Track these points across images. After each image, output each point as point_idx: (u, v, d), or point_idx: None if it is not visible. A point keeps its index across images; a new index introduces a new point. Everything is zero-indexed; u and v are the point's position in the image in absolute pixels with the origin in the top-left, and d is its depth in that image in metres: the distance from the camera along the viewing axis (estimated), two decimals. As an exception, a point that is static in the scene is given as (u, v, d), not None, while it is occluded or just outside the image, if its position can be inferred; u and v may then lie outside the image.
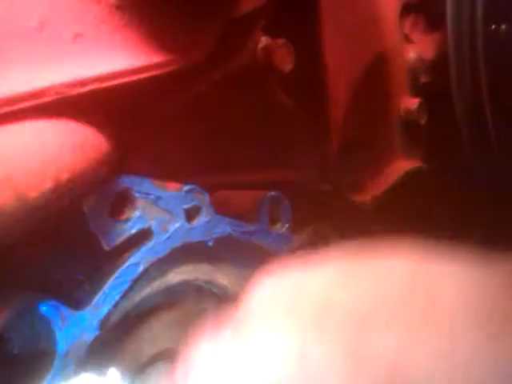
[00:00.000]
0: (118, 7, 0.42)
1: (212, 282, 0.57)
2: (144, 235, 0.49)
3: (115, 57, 0.42)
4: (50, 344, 0.42)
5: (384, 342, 0.34)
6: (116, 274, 0.46)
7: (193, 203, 0.52)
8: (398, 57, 0.78)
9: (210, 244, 0.54)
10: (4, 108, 0.35)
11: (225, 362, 0.39)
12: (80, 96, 0.40)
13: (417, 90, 0.81)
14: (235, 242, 0.57)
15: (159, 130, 0.53)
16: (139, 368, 0.53)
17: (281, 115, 0.63)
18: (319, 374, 0.35)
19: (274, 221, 0.62)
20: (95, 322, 0.44)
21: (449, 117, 0.77)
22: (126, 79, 0.41)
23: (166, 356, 0.56)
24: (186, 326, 0.58)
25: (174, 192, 0.50)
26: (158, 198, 0.49)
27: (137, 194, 0.48)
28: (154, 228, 0.49)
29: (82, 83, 0.39)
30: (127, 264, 0.47)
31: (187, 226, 0.52)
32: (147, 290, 0.51)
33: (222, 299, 0.61)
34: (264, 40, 0.59)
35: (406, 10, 0.79)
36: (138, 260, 0.48)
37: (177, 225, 0.51)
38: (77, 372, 0.43)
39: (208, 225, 0.54)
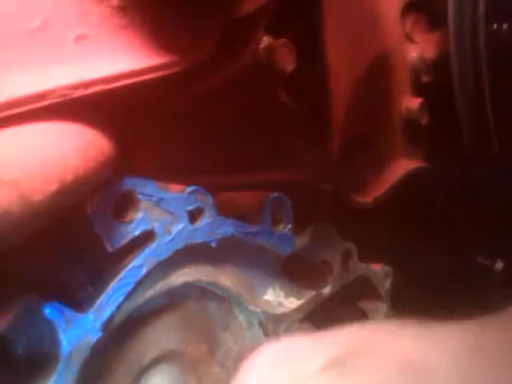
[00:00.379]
0: (120, 8, 0.42)
1: (215, 283, 0.57)
2: (147, 237, 0.49)
3: (118, 58, 0.42)
4: (53, 346, 0.42)
5: None
6: (119, 276, 0.46)
7: (196, 205, 0.52)
8: (399, 56, 0.78)
9: (213, 245, 0.54)
10: (8, 111, 0.35)
11: None
12: (83, 98, 0.39)
13: (418, 89, 0.81)
14: (238, 243, 0.57)
15: (162, 131, 0.53)
16: (142, 370, 0.53)
17: (282, 115, 0.63)
18: None
19: (276, 222, 0.62)
20: (98, 324, 0.44)
21: (450, 116, 0.77)
22: (128, 81, 0.41)
23: (170, 358, 0.56)
24: (189, 327, 0.58)
25: (176, 193, 0.50)
26: (161, 199, 0.49)
27: (140, 196, 0.48)
28: (156, 230, 0.49)
29: (85, 85, 0.39)
30: (130, 266, 0.47)
31: (190, 227, 0.52)
32: (150, 292, 0.51)
33: (224, 301, 0.61)
34: (266, 40, 0.59)
35: (407, 9, 0.79)
36: (141, 262, 0.48)
37: (180, 226, 0.51)
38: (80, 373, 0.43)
39: (211, 226, 0.53)
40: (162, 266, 0.50)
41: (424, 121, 0.80)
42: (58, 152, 0.38)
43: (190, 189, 0.51)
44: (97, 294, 0.45)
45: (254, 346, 0.64)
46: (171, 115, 0.52)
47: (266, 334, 0.64)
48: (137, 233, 0.47)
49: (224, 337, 0.62)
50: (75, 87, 0.38)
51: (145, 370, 0.53)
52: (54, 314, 0.41)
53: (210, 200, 0.53)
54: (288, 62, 0.59)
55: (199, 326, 0.59)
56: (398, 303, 0.91)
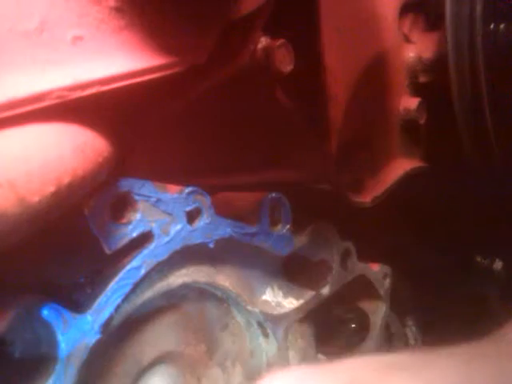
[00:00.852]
0: (118, 9, 0.42)
1: (213, 283, 0.57)
2: (145, 238, 0.49)
3: (115, 59, 0.42)
4: (51, 347, 0.42)
5: None
6: (117, 277, 0.46)
7: (194, 205, 0.52)
8: (397, 56, 0.78)
9: (211, 246, 0.54)
10: (5, 112, 0.35)
11: None
12: (80, 99, 0.39)
13: (416, 89, 0.81)
14: (236, 244, 0.58)
15: (160, 132, 0.53)
16: (141, 371, 0.53)
17: (280, 115, 0.63)
18: None
19: (274, 222, 0.62)
20: (97, 326, 0.44)
21: (448, 116, 0.77)
22: (126, 82, 0.41)
23: (168, 358, 0.56)
24: (188, 328, 0.58)
25: (174, 194, 0.50)
26: (159, 200, 0.49)
27: (137, 197, 0.48)
28: (154, 231, 0.49)
29: (83, 87, 0.39)
30: (128, 267, 0.47)
31: (188, 228, 0.52)
32: (149, 293, 0.51)
33: (223, 301, 0.61)
34: (263, 40, 0.59)
35: (405, 10, 0.79)
36: (140, 263, 0.48)
37: (178, 227, 0.51)
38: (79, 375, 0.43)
39: (209, 227, 0.54)
40: (160, 266, 0.50)
41: (422, 121, 0.80)
42: (56, 153, 0.38)
43: (187, 189, 0.51)
44: (95, 296, 0.45)
45: (253, 347, 0.64)
46: (169, 116, 0.52)
47: (265, 335, 0.64)
48: (135, 234, 0.47)
49: (223, 337, 0.62)
50: (72, 89, 0.38)
51: (144, 371, 0.53)
52: (52, 316, 0.42)
53: (208, 200, 0.53)
54: (286, 63, 0.59)
55: (198, 327, 0.59)
56: (398, 303, 0.91)
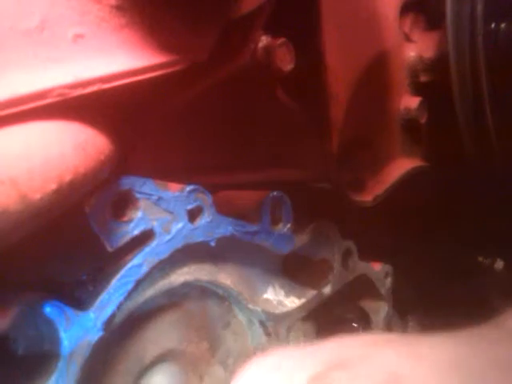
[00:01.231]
0: (119, 7, 0.42)
1: (215, 282, 0.57)
2: (146, 236, 0.49)
3: (116, 58, 0.42)
4: (54, 345, 0.42)
5: None
6: (119, 275, 0.46)
7: (195, 204, 0.52)
8: (397, 56, 0.78)
9: (213, 244, 0.54)
10: (7, 110, 0.35)
11: None
12: (82, 97, 0.40)
13: (417, 88, 0.81)
14: (237, 243, 0.58)
15: (161, 130, 0.53)
16: (143, 368, 0.53)
17: (281, 114, 0.63)
18: None
19: (275, 221, 0.62)
20: (99, 323, 0.44)
21: (449, 115, 0.77)
22: (127, 80, 0.41)
23: (171, 356, 0.56)
24: (190, 326, 0.58)
25: (176, 192, 0.51)
26: (160, 198, 0.49)
27: (139, 195, 0.48)
28: (156, 229, 0.49)
29: (84, 84, 0.39)
30: (130, 265, 0.47)
31: (190, 226, 0.52)
32: (150, 291, 0.51)
33: (224, 299, 0.61)
34: (264, 39, 0.59)
35: (405, 9, 0.79)
36: (141, 261, 0.48)
37: (179, 225, 0.51)
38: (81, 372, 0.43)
39: (210, 225, 0.54)
40: (161, 265, 0.50)
41: (423, 120, 0.80)
42: (57, 151, 0.39)
43: (189, 188, 0.51)
44: (97, 293, 0.45)
45: (255, 346, 0.64)
46: (170, 114, 0.52)
47: (267, 334, 0.64)
48: (136, 232, 0.48)
49: (224, 335, 0.62)
50: (73, 86, 0.38)
51: (146, 369, 0.53)
52: (55, 313, 0.42)
53: (209, 199, 0.53)
54: (286, 62, 0.60)
55: (199, 325, 0.59)
56: (399, 302, 0.91)
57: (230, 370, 0.62)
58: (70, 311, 0.42)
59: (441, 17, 0.74)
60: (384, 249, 0.90)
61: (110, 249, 0.46)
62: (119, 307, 0.46)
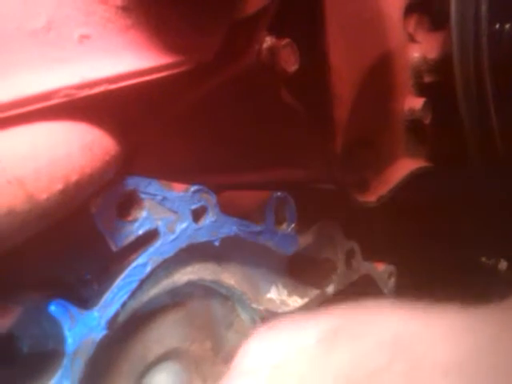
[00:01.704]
0: (125, 8, 0.42)
1: (218, 281, 0.58)
2: (151, 236, 0.49)
3: (122, 58, 0.42)
4: (58, 343, 0.42)
5: None
6: (124, 274, 0.47)
7: (199, 203, 0.52)
8: (402, 56, 0.78)
9: (217, 244, 0.55)
10: (14, 110, 0.36)
11: None
12: (88, 98, 0.40)
13: (421, 89, 0.81)
14: (241, 242, 0.58)
15: (166, 131, 0.54)
16: (147, 367, 0.53)
17: (285, 115, 0.63)
18: None
19: (279, 221, 0.62)
20: (103, 322, 0.45)
21: (453, 116, 0.77)
22: (133, 81, 0.42)
23: (174, 356, 0.56)
24: (193, 325, 0.58)
25: (180, 192, 0.51)
26: (165, 198, 0.50)
27: (144, 195, 0.48)
28: (160, 228, 0.50)
29: (90, 85, 0.39)
30: (134, 264, 0.48)
31: (194, 226, 0.52)
32: (154, 290, 0.51)
33: (228, 299, 0.61)
34: (268, 40, 0.59)
35: (410, 10, 0.79)
36: (146, 260, 0.49)
37: (183, 225, 0.51)
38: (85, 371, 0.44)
39: (214, 225, 0.54)
40: (166, 264, 0.51)
41: (427, 121, 0.80)
42: (64, 151, 0.39)
43: (193, 188, 0.52)
44: (101, 292, 0.45)
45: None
46: (175, 115, 0.52)
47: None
48: (141, 232, 0.48)
49: (228, 335, 0.62)
50: (80, 87, 0.39)
51: (149, 368, 0.53)
52: (60, 312, 0.42)
53: (213, 199, 0.54)
54: (291, 62, 0.60)
55: (203, 324, 0.59)
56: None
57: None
58: (74, 310, 0.43)
59: (445, 17, 0.74)
60: (388, 249, 0.90)
61: (114, 248, 0.46)
62: (123, 306, 0.46)
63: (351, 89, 0.69)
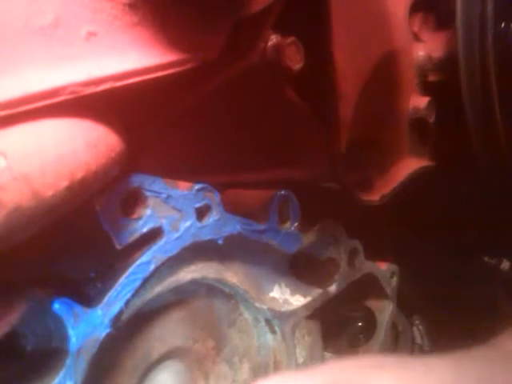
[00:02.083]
0: (131, 6, 0.42)
1: (222, 280, 0.58)
2: (155, 234, 0.49)
3: (128, 56, 0.42)
4: (62, 341, 0.42)
5: None
6: (127, 272, 0.47)
7: (203, 202, 0.52)
8: (406, 55, 0.78)
9: (220, 242, 0.55)
10: (20, 107, 0.36)
11: None
12: (94, 95, 0.40)
13: (425, 88, 0.81)
14: (245, 241, 0.58)
15: (171, 128, 0.53)
16: (150, 366, 0.53)
17: (290, 113, 0.63)
18: None
19: (283, 220, 0.62)
20: (107, 320, 0.44)
21: (458, 115, 0.77)
22: (139, 78, 0.41)
23: (177, 354, 0.56)
24: (196, 324, 0.58)
25: (184, 191, 0.51)
26: (169, 196, 0.50)
27: (148, 193, 0.48)
28: (164, 226, 0.49)
29: (96, 82, 0.39)
30: (138, 262, 0.48)
31: (198, 224, 0.52)
32: (158, 288, 0.51)
33: (231, 298, 0.61)
34: (274, 38, 0.59)
35: (415, 8, 0.79)
36: (150, 258, 0.48)
37: (187, 223, 0.51)
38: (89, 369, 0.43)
39: (218, 223, 0.54)
40: (169, 262, 0.51)
41: (431, 120, 0.80)
42: (70, 148, 0.39)
43: (197, 186, 0.52)
44: (105, 290, 0.45)
45: (261, 344, 0.64)
46: (180, 113, 0.52)
47: (273, 332, 0.64)
48: (145, 229, 0.48)
49: (230, 333, 0.62)
50: (86, 84, 0.38)
51: (152, 366, 0.53)
52: (63, 310, 0.42)
53: (217, 197, 0.53)
54: (296, 61, 0.59)
55: (206, 323, 0.59)
56: (405, 302, 0.91)
57: (236, 369, 0.62)
58: (78, 308, 0.43)
59: (450, 16, 0.74)
60: (390, 248, 0.90)
61: (118, 246, 0.46)
62: (127, 304, 0.46)
63: (356, 87, 0.69)
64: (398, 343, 0.91)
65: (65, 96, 0.38)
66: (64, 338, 0.42)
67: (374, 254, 0.79)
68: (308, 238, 0.68)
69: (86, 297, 0.45)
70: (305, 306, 0.67)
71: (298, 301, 0.67)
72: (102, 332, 0.44)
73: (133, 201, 0.47)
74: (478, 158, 0.78)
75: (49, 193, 0.35)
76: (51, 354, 0.43)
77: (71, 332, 0.42)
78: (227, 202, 0.55)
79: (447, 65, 0.78)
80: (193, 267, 0.54)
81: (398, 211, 0.88)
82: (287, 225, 0.63)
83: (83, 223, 0.44)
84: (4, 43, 0.38)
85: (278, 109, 0.63)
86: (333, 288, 0.71)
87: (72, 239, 0.44)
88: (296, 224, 0.64)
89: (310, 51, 0.61)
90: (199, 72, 0.47)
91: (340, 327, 0.83)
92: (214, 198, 0.53)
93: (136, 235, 0.47)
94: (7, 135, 0.35)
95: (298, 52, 0.59)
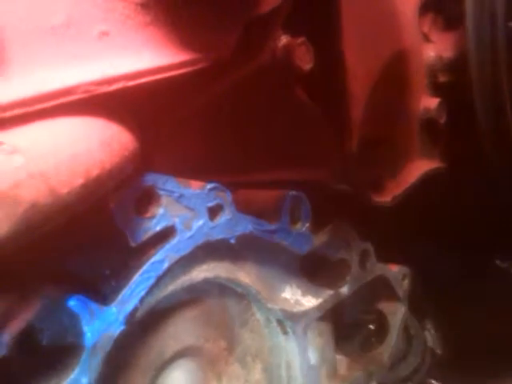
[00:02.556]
0: (144, 5, 0.42)
1: (234, 280, 0.58)
2: (168, 232, 0.49)
3: (141, 55, 0.43)
4: (77, 337, 0.43)
5: None
6: (141, 270, 0.47)
7: (215, 201, 0.53)
8: (416, 56, 0.78)
9: (232, 241, 0.55)
10: (35, 106, 0.36)
11: None
12: (107, 94, 0.40)
13: (436, 89, 0.81)
14: (256, 241, 0.58)
15: (183, 128, 0.54)
16: (163, 364, 0.53)
17: (300, 113, 0.63)
18: None
19: (294, 220, 0.62)
20: (121, 317, 0.45)
21: (468, 116, 0.76)
22: (151, 78, 0.42)
23: (190, 353, 0.56)
24: (209, 323, 0.58)
25: (197, 190, 0.51)
26: (182, 195, 0.50)
27: (161, 192, 0.48)
28: (177, 225, 0.50)
29: (109, 81, 0.40)
30: (152, 260, 0.48)
31: (210, 223, 0.52)
32: (171, 287, 0.51)
33: (243, 298, 0.61)
34: (284, 38, 0.60)
35: (424, 9, 0.79)
36: (163, 257, 0.49)
37: (200, 222, 0.51)
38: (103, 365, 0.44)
39: (230, 223, 0.54)
40: (182, 261, 0.51)
41: (442, 120, 0.80)
42: (84, 147, 0.39)
43: (209, 185, 0.52)
44: (120, 288, 0.45)
45: (273, 344, 0.64)
46: (191, 112, 0.52)
47: (284, 332, 0.64)
48: (158, 228, 0.48)
49: (242, 333, 0.62)
50: (99, 83, 0.39)
51: (166, 364, 0.53)
52: (79, 307, 0.42)
53: (229, 197, 0.54)
54: (306, 61, 0.60)
55: (218, 323, 0.59)
56: (417, 306, 0.90)
57: (248, 369, 0.62)
58: (93, 305, 0.43)
59: (460, 16, 0.74)
60: (402, 250, 0.89)
61: (133, 244, 0.46)
62: (141, 302, 0.46)
63: (366, 87, 0.69)
64: (411, 346, 0.91)
65: (78, 95, 0.38)
66: (79, 334, 0.43)
67: (385, 255, 0.79)
68: (319, 239, 0.67)
69: (101, 294, 0.45)
70: (316, 308, 0.67)
71: (309, 302, 0.67)
72: (117, 329, 0.45)
73: (146, 199, 0.48)
74: (489, 158, 0.78)
75: (64, 190, 0.36)
76: (66, 350, 0.43)
77: (86, 328, 0.42)
78: (239, 201, 0.55)
79: (457, 65, 0.78)
80: (205, 266, 0.55)
81: (409, 212, 0.88)
82: (298, 225, 0.63)
83: (98, 221, 0.44)
84: (17, 43, 0.38)
85: (289, 109, 0.63)
86: (344, 290, 0.71)
87: (88, 237, 0.45)
88: (307, 225, 0.64)
89: (320, 51, 0.61)
90: (211, 72, 0.47)
91: (352, 330, 0.83)
92: (226, 197, 0.54)
93: (149, 234, 0.47)
94: (23, 133, 0.36)
95: (307, 52, 0.60)
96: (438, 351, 1.00)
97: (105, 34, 0.41)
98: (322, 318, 0.69)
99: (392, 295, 0.83)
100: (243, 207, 0.56)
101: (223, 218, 0.54)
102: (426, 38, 0.80)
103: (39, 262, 0.42)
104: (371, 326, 0.85)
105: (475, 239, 0.98)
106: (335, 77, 0.65)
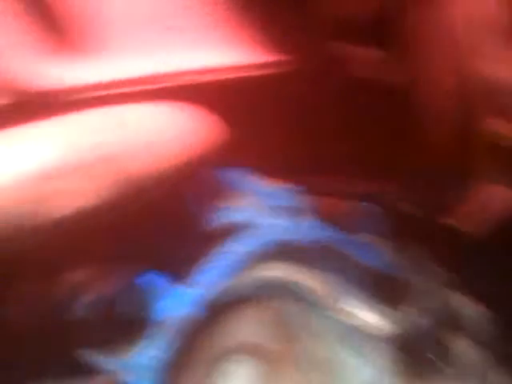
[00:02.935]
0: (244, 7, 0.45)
1: (300, 283, 0.58)
2: (243, 226, 0.51)
3: (233, 51, 0.45)
4: (149, 313, 0.45)
5: None
6: (213, 259, 0.49)
7: (294, 202, 0.53)
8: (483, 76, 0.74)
9: (305, 245, 0.55)
10: (141, 86, 0.39)
11: None
12: (201, 85, 0.43)
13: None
14: (329, 248, 0.58)
15: (269, 127, 0.55)
16: (223, 356, 0.54)
17: (388, 126, 0.63)
18: None
19: (371, 234, 0.61)
20: (192, 300, 0.46)
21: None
22: (248, 73, 0.44)
23: (249, 351, 0.57)
24: (270, 323, 0.58)
25: (276, 189, 0.52)
26: (260, 192, 0.51)
27: (239, 186, 0.50)
28: (252, 221, 0.51)
29: (205, 72, 0.42)
30: (224, 251, 0.49)
31: (285, 223, 0.53)
32: (239, 280, 0.52)
33: (306, 301, 0.60)
34: (374, 52, 0.60)
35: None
36: (235, 249, 0.50)
37: (274, 221, 0.52)
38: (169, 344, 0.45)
39: (306, 226, 0.54)
40: (252, 257, 0.52)
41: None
42: (171, 134, 0.42)
43: (290, 186, 0.53)
44: (193, 272, 0.47)
45: (331, 354, 0.63)
46: (279, 112, 0.54)
47: (345, 345, 0.63)
48: (234, 220, 0.50)
49: (301, 337, 0.62)
50: (202, 73, 0.41)
51: (225, 357, 0.54)
52: (154, 284, 0.45)
53: (309, 200, 0.54)
54: (396, 76, 0.59)
55: (279, 324, 0.59)
56: (495, 351, 0.84)
57: (305, 375, 0.61)
58: (168, 285, 0.45)
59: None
60: (486, 288, 0.84)
61: (208, 233, 0.48)
62: (211, 288, 0.48)
63: (440, 105, 0.67)
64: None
65: (177, 82, 0.41)
66: (151, 310, 0.45)
67: (466, 288, 0.75)
68: (396, 259, 0.66)
69: (176, 275, 0.47)
70: (379, 327, 0.65)
71: (373, 320, 0.65)
72: (187, 310, 0.46)
73: (223, 192, 0.50)
74: None
75: (163, 166, 0.38)
76: (138, 323, 0.45)
77: (159, 305, 0.44)
78: (318, 206, 0.55)
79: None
80: (275, 265, 0.55)
81: (497, 247, 0.82)
82: (375, 240, 0.62)
83: (178, 205, 0.47)
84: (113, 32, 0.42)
85: (378, 122, 0.62)
86: (414, 318, 0.68)
87: (167, 219, 0.47)
88: (386, 241, 0.63)
89: (408, 66, 0.60)
90: (302, 75, 0.48)
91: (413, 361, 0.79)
92: (307, 200, 0.54)
93: (225, 224, 0.49)
94: (128, 110, 0.39)
95: (399, 67, 0.60)
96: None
97: (199, 26, 0.44)
98: (383, 340, 0.66)
99: (468, 334, 0.79)
100: (322, 213, 0.56)
101: (299, 220, 0.54)
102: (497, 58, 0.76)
103: (124, 240, 0.45)
104: (431, 356, 0.81)
105: None
106: (422, 93, 0.63)
